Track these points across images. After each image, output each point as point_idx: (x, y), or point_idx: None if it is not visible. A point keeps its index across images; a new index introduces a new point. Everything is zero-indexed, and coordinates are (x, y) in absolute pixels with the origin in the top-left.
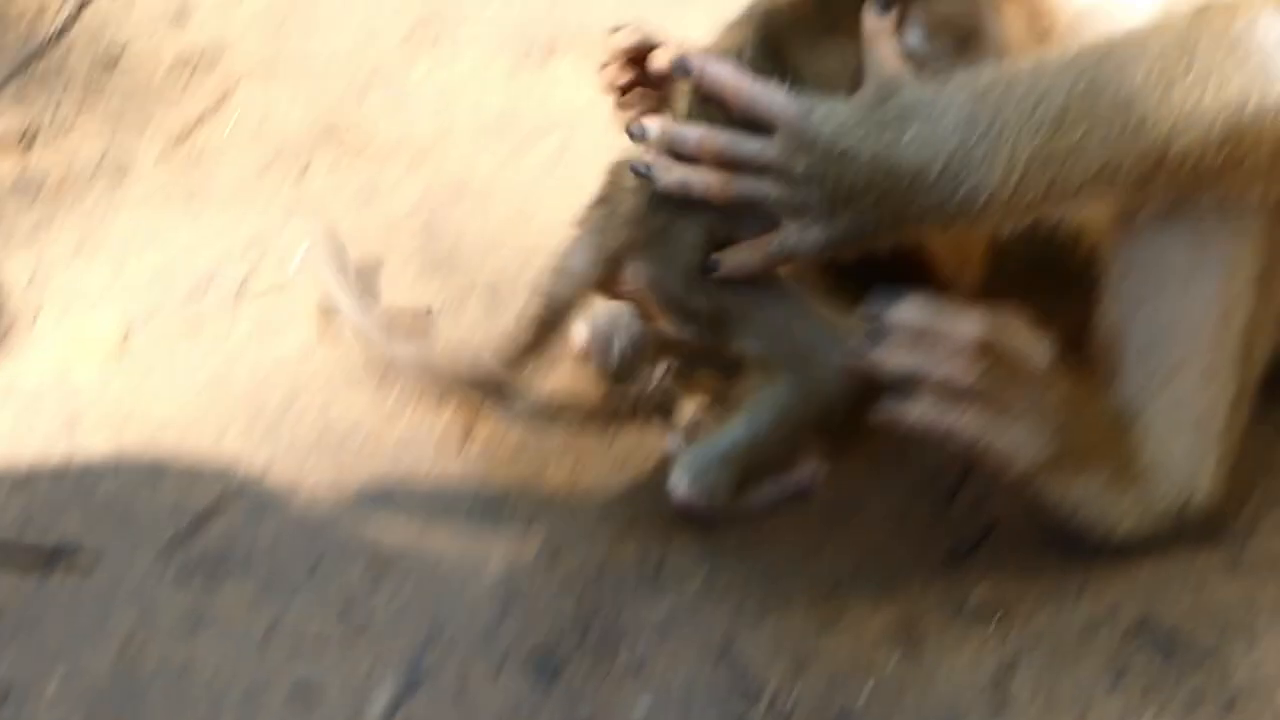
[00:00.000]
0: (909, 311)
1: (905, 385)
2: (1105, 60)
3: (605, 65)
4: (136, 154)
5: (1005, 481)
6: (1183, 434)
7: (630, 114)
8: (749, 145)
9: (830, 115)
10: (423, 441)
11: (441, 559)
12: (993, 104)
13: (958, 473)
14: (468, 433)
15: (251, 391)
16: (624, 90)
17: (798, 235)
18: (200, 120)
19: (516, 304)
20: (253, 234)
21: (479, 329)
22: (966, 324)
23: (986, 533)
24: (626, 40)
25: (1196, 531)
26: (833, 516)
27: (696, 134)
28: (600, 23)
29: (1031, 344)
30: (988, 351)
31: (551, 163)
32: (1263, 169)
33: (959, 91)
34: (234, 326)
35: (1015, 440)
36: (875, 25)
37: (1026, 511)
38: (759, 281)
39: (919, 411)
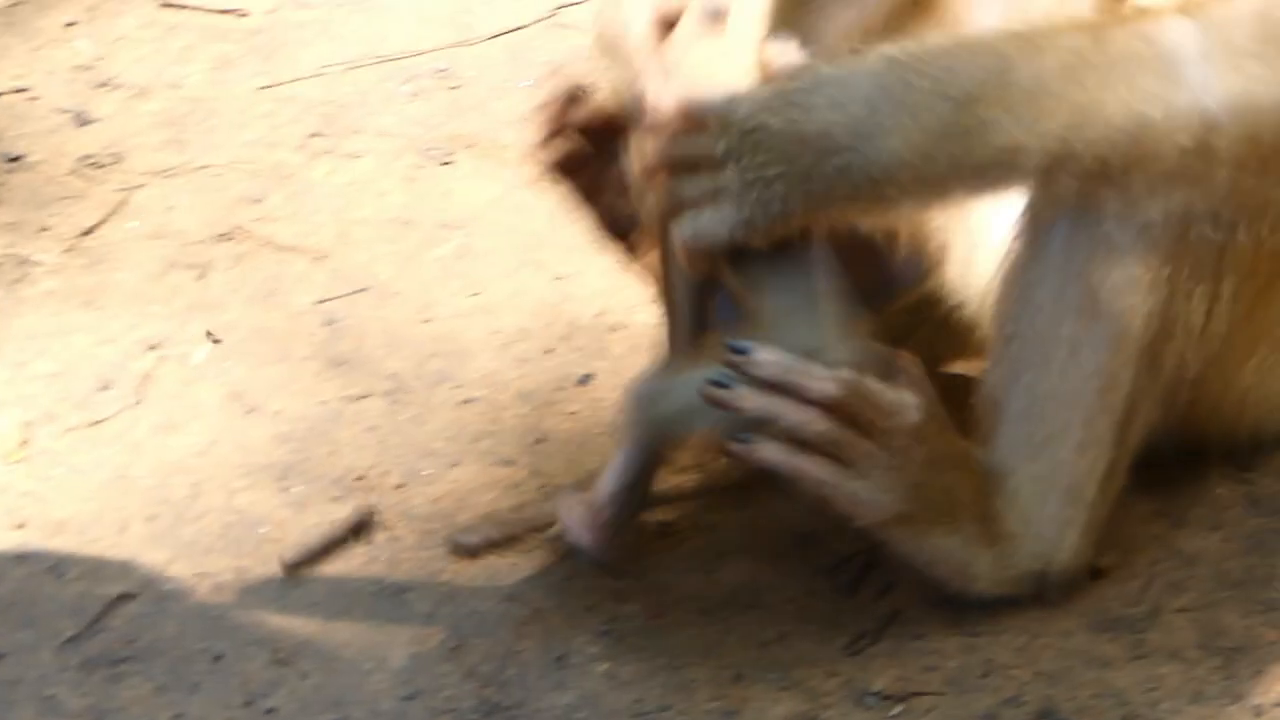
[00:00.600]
0: (769, 357)
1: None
2: (1020, 43)
3: (543, 110)
4: (38, 254)
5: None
6: (1050, 501)
7: (556, 155)
8: (687, 141)
9: (749, 96)
10: (325, 534)
11: (344, 651)
12: (904, 74)
13: (861, 561)
14: (370, 524)
15: (153, 487)
16: (556, 134)
17: (707, 218)
18: (102, 220)
19: (418, 402)
20: (154, 333)
21: (380, 427)
22: (821, 381)
23: (889, 621)
24: (562, 87)
25: (1099, 618)
26: (735, 605)
27: (654, 144)
28: (499, 124)
29: (895, 404)
30: (839, 408)
31: (452, 262)
32: (1166, 175)
33: (873, 62)
34: (135, 424)
35: (861, 493)
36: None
37: (930, 599)
38: (792, 246)
39: (766, 452)
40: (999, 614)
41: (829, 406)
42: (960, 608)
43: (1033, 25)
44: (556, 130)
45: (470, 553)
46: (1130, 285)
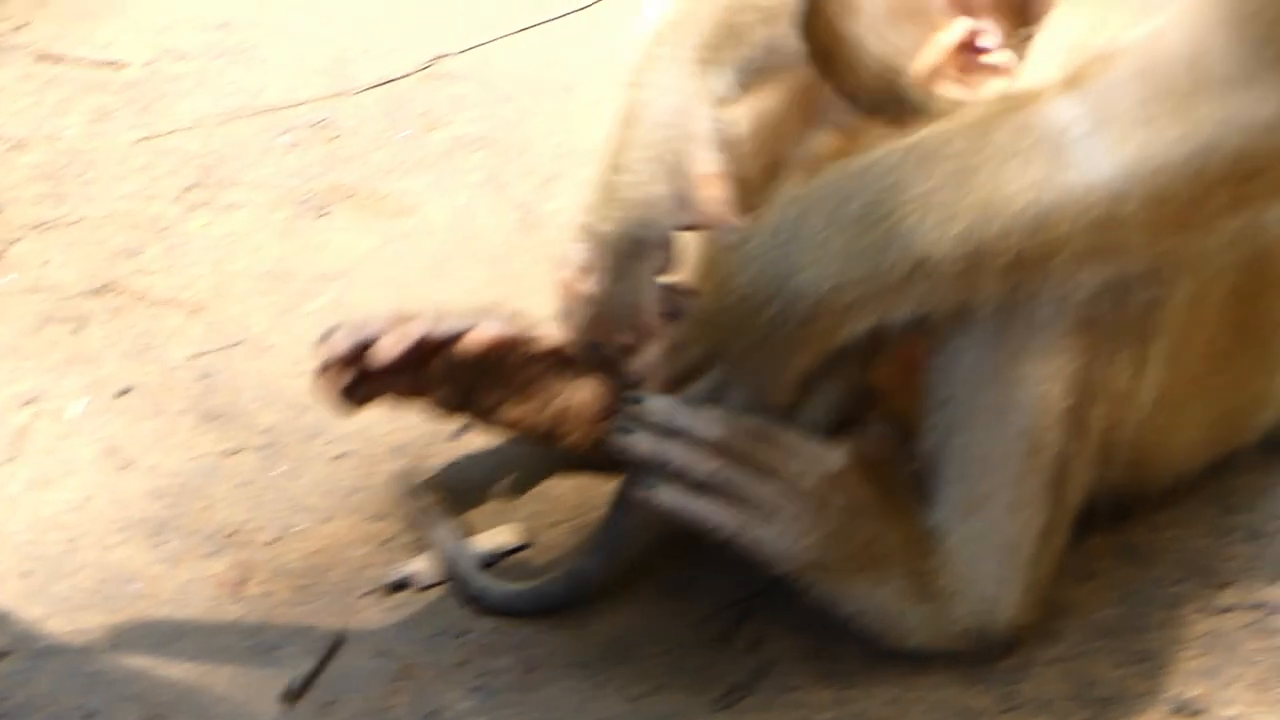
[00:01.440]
0: (659, 404)
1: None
2: (909, 155)
3: (323, 371)
4: None
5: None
6: (988, 559)
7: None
8: (673, 361)
9: (699, 300)
10: (199, 588)
11: (217, 707)
12: (797, 211)
13: (734, 613)
14: (243, 580)
15: (28, 543)
16: (349, 390)
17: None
18: None
19: (292, 456)
20: (30, 388)
21: (254, 482)
22: (708, 424)
23: (762, 673)
24: (342, 345)
25: (970, 670)
26: (608, 658)
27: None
28: (377, 175)
29: (808, 451)
30: (730, 451)
31: (328, 314)
32: (1086, 252)
33: (771, 209)
34: (10, 479)
35: (767, 538)
36: None
37: (802, 650)
38: None
39: (664, 496)
40: (872, 666)
41: (718, 448)
42: (834, 660)
43: (919, 135)
44: (355, 376)
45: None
46: (1050, 351)
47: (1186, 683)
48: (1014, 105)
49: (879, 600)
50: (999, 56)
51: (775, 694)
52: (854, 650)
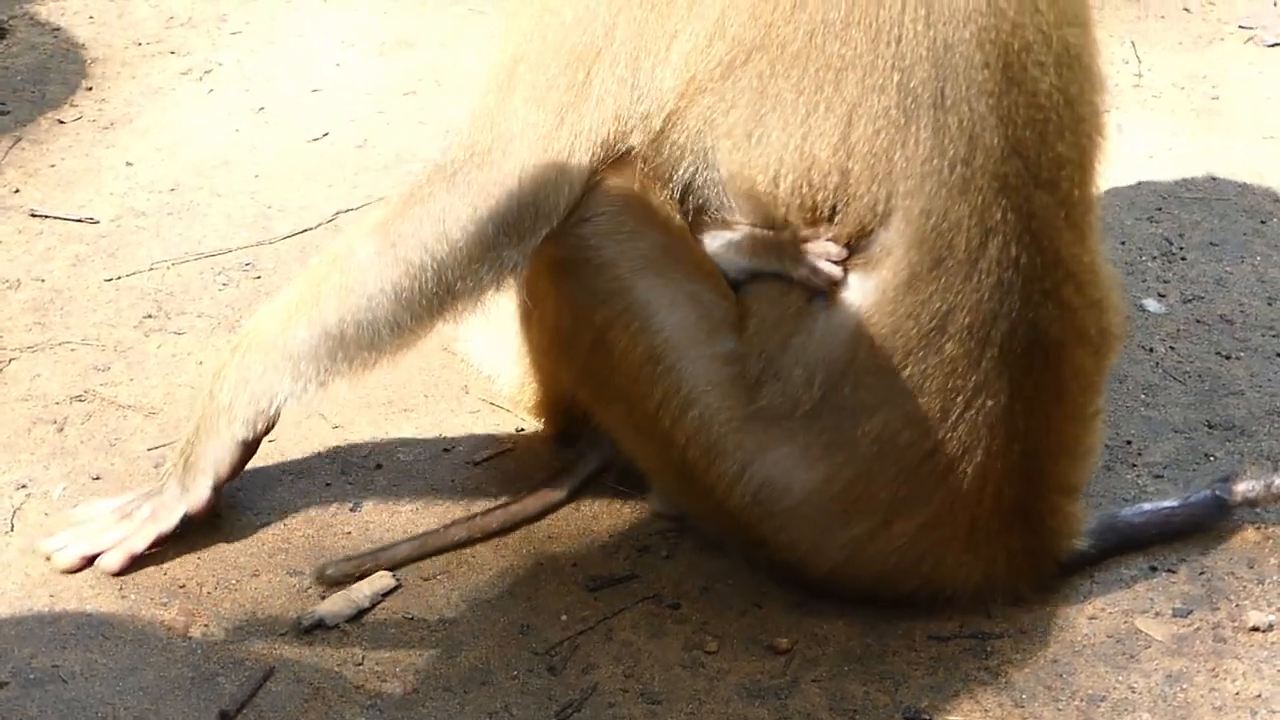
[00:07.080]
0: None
1: None
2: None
3: None
4: None
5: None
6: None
7: None
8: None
9: None
10: (155, 631)
11: None
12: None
13: (568, 648)
14: (189, 624)
15: (21, 598)
16: None
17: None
18: None
19: (225, 526)
20: (23, 475)
21: (197, 546)
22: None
23: (590, 693)
24: None
25: (752, 688)
26: (471, 682)
27: None
28: None
29: None
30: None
31: None
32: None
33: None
34: (6, 547)
35: None
36: None
37: (621, 675)
38: None
39: None
40: (674, 687)
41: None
42: (644, 683)
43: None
44: None
45: (333, 582)
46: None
47: (918, 696)
48: (337, 255)
49: None
50: None
51: (600, 709)
52: (660, 674)
